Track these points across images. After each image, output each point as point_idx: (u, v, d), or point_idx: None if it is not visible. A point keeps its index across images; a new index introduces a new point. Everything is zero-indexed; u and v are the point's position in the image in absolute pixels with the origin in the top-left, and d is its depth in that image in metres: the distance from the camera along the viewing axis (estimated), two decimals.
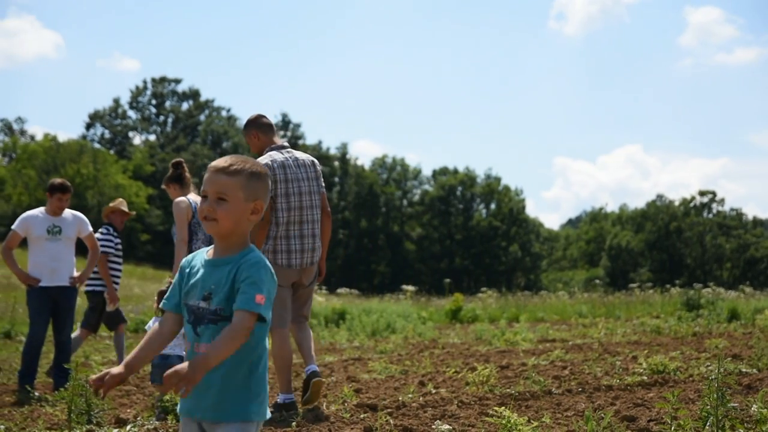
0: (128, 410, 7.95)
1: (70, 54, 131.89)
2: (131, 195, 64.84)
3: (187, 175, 9.41)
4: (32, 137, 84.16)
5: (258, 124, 7.99)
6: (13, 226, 9.83)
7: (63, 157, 66.98)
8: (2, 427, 6.75)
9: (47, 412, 7.92)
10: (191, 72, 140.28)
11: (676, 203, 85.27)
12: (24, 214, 9.90)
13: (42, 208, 9.95)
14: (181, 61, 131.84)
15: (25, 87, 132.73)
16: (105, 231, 11.62)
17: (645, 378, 8.65)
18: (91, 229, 10.20)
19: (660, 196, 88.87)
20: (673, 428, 5.71)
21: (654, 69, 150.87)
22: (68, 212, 9.99)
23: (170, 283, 8.05)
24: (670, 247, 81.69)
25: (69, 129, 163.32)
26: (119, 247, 11.67)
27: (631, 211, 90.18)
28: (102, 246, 11.07)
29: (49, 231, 9.75)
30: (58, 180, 10.04)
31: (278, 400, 7.45)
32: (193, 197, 9.05)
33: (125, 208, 11.98)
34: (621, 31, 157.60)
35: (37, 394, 9.14)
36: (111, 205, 11.98)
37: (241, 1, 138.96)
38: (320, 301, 23.37)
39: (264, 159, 7.68)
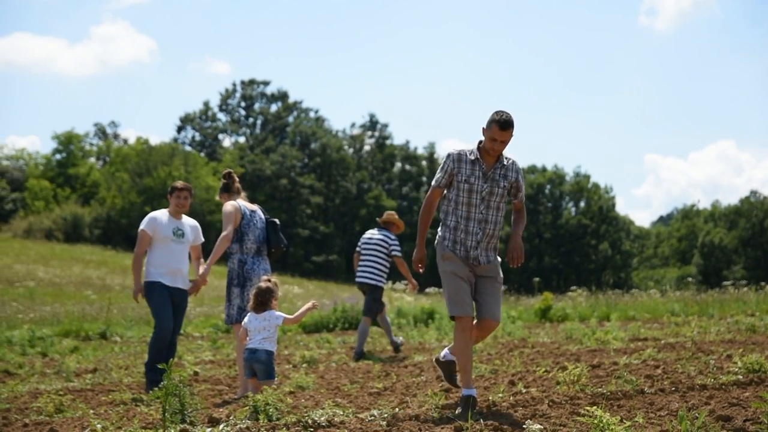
0: (221, 409, 8.05)
1: (162, 58, 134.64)
2: None
3: (237, 185, 9.98)
4: (125, 141, 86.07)
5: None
6: (142, 226, 9.87)
7: (155, 159, 68.13)
8: (99, 425, 6.89)
9: (142, 412, 8.06)
10: (280, 74, 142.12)
11: None
12: (151, 215, 9.98)
13: (165, 211, 10.08)
14: (270, 63, 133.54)
15: (119, 91, 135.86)
16: (395, 237, 13.78)
17: (740, 377, 8.47)
18: (203, 239, 10.44)
19: (754, 192, 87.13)
20: None
21: (747, 63, 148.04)
22: (187, 219, 10.22)
23: (269, 280, 8.27)
24: (765, 243, 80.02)
25: (161, 132, 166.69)
26: None
27: (724, 208, 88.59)
28: (399, 249, 13.66)
29: (175, 233, 9.96)
30: (178, 181, 10.28)
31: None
32: (242, 202, 9.79)
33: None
34: (713, 24, 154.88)
35: (131, 394, 9.32)
36: (395, 217, 13.98)
37: (328, 3, 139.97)
38: (409, 300, 23.38)
39: None
